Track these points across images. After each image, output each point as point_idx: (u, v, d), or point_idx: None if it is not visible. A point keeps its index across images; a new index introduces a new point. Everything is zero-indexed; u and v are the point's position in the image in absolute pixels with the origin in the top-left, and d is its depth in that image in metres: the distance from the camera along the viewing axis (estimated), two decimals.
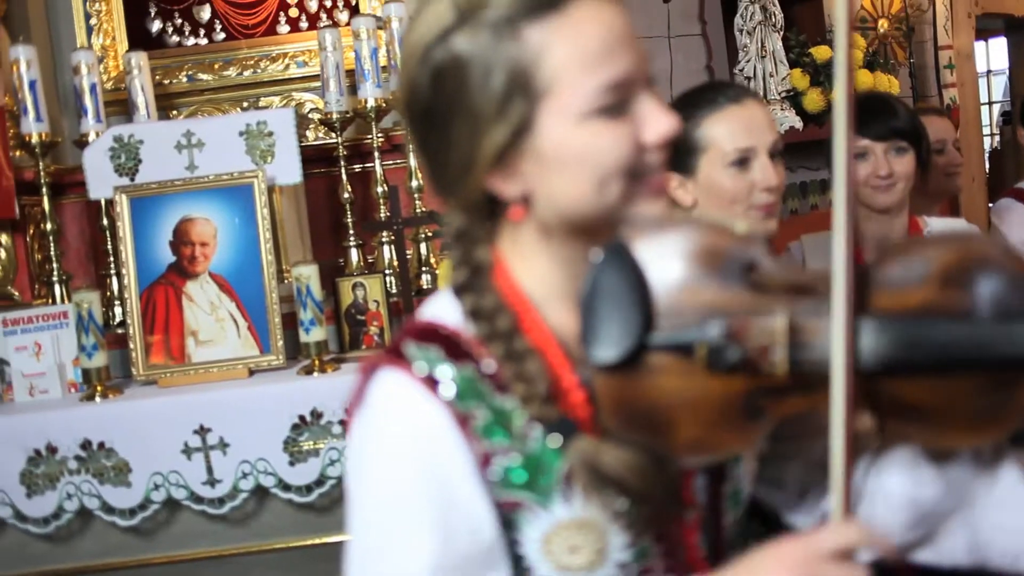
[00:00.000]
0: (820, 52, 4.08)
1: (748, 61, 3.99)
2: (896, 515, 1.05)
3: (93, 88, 2.90)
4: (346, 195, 2.97)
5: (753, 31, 3.97)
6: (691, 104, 1.73)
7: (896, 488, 1.05)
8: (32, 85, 2.76)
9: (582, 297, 0.91)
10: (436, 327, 0.99)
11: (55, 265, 2.83)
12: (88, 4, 3.25)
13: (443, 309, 1.01)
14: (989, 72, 7.70)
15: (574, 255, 0.96)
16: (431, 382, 0.95)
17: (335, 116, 2.95)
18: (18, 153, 2.87)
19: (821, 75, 4.04)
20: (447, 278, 1.05)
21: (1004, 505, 1.02)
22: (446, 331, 0.99)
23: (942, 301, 0.89)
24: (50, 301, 2.81)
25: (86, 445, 2.37)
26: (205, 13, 3.42)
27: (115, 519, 2.41)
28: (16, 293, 2.90)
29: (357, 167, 3.08)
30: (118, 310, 2.87)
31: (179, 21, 3.42)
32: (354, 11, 3.31)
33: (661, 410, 0.91)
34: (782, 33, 4.05)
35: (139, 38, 3.32)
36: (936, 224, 2.37)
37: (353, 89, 2.99)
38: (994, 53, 7.46)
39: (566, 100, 0.91)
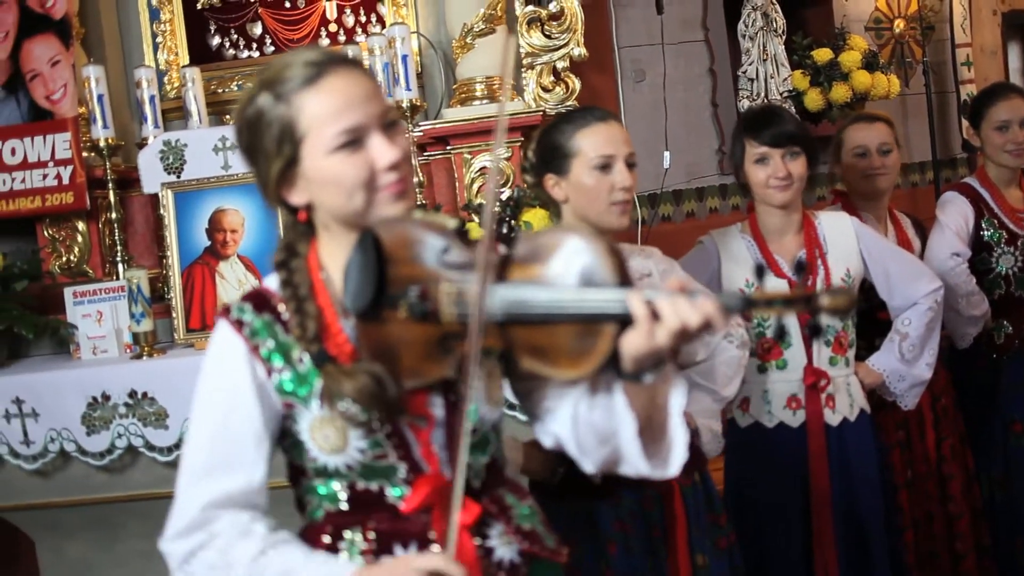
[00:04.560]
0: (821, 54, 4.36)
1: (751, 64, 4.31)
2: (586, 435, 1.45)
3: (152, 99, 3.44)
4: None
5: (755, 36, 4.29)
6: (568, 121, 2.16)
7: (582, 413, 1.45)
8: (100, 98, 3.31)
9: (345, 269, 1.39)
10: (258, 291, 1.51)
11: (119, 248, 3.38)
12: (154, 25, 3.79)
13: (271, 279, 1.51)
14: None
15: (350, 241, 1.42)
16: (239, 324, 1.46)
17: None
18: (90, 155, 3.43)
19: (821, 76, 4.33)
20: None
21: (624, 423, 1.40)
22: (262, 293, 1.50)
23: (544, 273, 1.31)
24: (115, 278, 3.36)
25: (133, 395, 2.90)
26: (257, 29, 3.92)
27: (155, 455, 2.94)
28: (90, 271, 3.46)
29: None
30: None
31: (235, 36, 3.94)
32: (384, 25, 3.77)
33: (390, 346, 1.38)
34: (784, 37, 4.35)
35: (201, 52, 3.86)
36: (825, 218, 2.71)
37: None
38: None
39: (316, 142, 1.40)
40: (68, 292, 3.16)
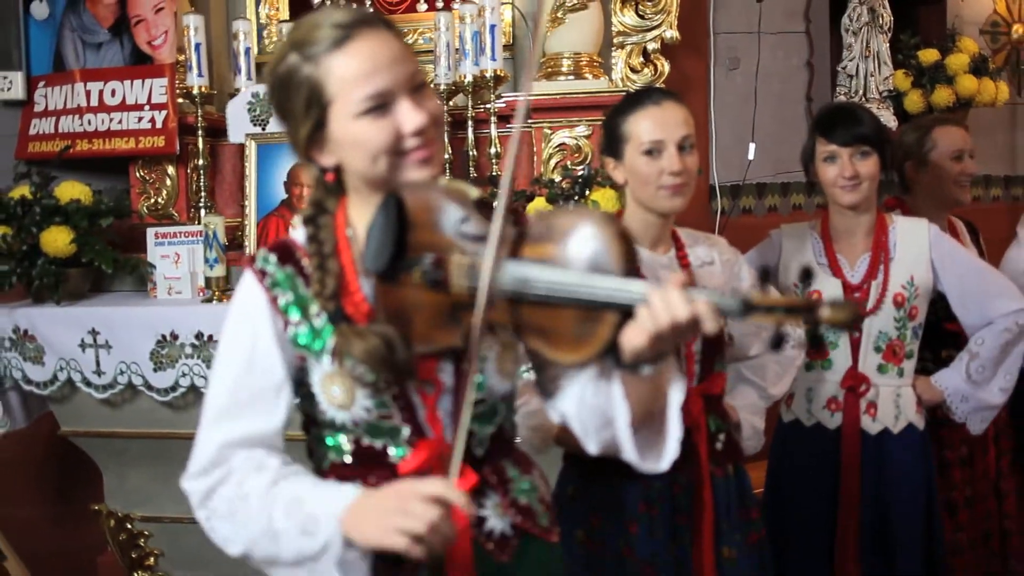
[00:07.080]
0: (927, 55, 4.22)
1: (852, 60, 4.19)
2: (590, 417, 1.47)
3: (247, 51, 3.53)
4: (445, 156, 3.46)
5: (859, 31, 4.17)
6: (626, 103, 2.16)
7: (588, 395, 1.46)
8: (197, 47, 3.40)
9: (367, 229, 1.41)
10: (284, 242, 1.54)
11: (203, 194, 3.49)
12: None
13: (298, 232, 1.54)
14: None
15: (377, 203, 1.44)
16: (261, 274, 1.50)
17: (442, 87, 3.44)
18: (185, 101, 3.53)
19: (924, 77, 4.19)
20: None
21: (618, 411, 1.41)
22: (289, 245, 1.53)
23: (554, 254, 1.31)
24: (197, 223, 3.46)
25: (199, 336, 3.00)
26: None
27: None
28: (175, 214, 3.58)
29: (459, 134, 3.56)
30: None
31: None
32: None
33: (404, 310, 1.41)
34: (890, 35, 4.22)
35: (302, 10, 3.93)
36: (901, 223, 2.63)
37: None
38: None
39: (343, 106, 1.42)
40: (150, 232, 3.28)
